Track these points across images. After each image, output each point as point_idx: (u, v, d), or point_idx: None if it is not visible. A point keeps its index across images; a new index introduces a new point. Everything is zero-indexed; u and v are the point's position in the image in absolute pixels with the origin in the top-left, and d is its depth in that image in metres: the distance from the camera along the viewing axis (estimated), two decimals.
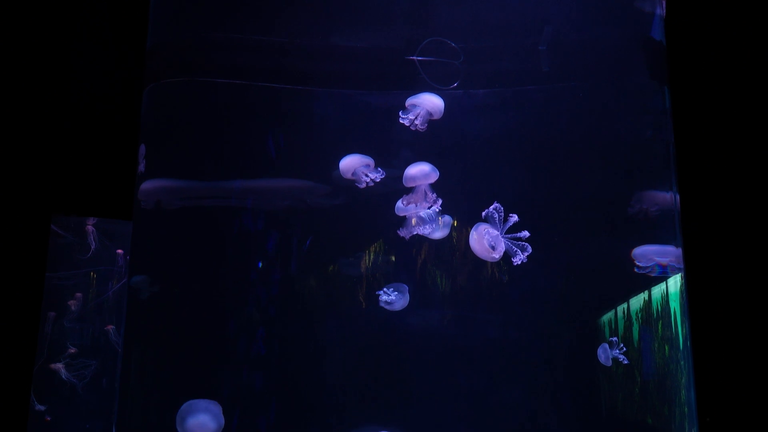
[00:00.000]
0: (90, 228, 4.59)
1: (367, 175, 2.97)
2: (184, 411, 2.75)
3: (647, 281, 3.10)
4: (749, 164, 3.28)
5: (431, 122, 3.03)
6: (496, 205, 2.88)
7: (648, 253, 3.06)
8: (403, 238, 3.05)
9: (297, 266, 3.08)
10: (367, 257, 3.07)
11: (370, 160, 3.00)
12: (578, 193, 3.12)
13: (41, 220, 3.77)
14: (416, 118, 2.99)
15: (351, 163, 3.00)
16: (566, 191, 3.07)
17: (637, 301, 3.07)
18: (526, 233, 2.88)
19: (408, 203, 2.94)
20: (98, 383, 4.51)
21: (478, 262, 3.04)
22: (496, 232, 2.86)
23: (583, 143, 3.20)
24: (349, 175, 3.00)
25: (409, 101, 3.01)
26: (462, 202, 3.13)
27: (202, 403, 2.77)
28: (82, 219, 4.53)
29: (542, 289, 3.10)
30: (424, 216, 2.97)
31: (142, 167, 3.16)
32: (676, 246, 3.16)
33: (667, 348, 3.05)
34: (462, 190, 3.12)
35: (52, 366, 4.46)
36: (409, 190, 2.99)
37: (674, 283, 3.09)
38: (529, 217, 2.95)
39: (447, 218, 2.98)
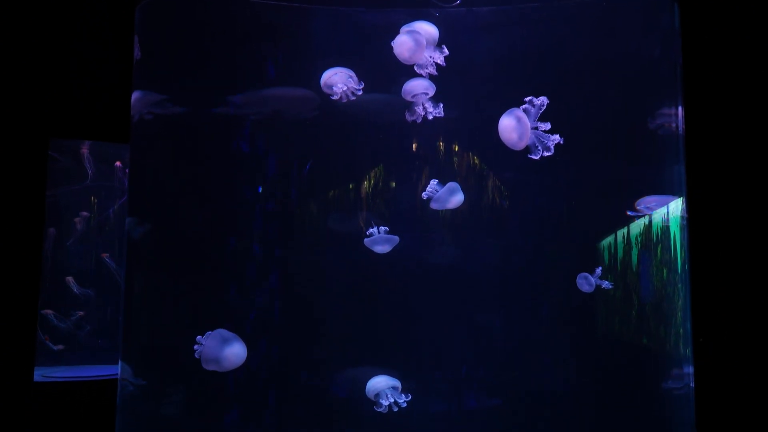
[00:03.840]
0: (85, 152, 4.55)
1: (339, 86, 2.91)
2: (216, 341, 2.78)
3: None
4: (757, 88, 3.20)
5: None
6: (542, 99, 2.80)
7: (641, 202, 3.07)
8: (405, 164, 3.05)
9: (297, 190, 3.07)
10: (367, 183, 3.05)
11: (350, 72, 2.95)
12: (582, 113, 3.06)
13: (39, 137, 3.74)
14: None
15: (327, 75, 2.95)
16: (569, 111, 3.01)
17: (637, 226, 3.07)
18: (557, 137, 2.82)
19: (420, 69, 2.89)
20: (103, 313, 4.59)
21: (479, 189, 3.03)
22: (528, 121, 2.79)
23: (589, 62, 3.11)
24: (326, 88, 2.96)
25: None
26: (465, 123, 3.08)
27: (227, 333, 2.81)
28: (77, 143, 4.49)
29: (543, 213, 3.11)
30: (430, 194, 2.95)
31: (137, 53, 3.12)
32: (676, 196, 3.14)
33: (665, 271, 3.08)
34: (465, 111, 3.06)
35: (50, 316, 4.50)
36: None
37: (675, 207, 3.09)
38: None
39: (452, 184, 2.94)
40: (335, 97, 2.93)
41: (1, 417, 3.64)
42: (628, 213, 3.06)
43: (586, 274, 2.97)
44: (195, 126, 3.11)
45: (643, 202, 3.05)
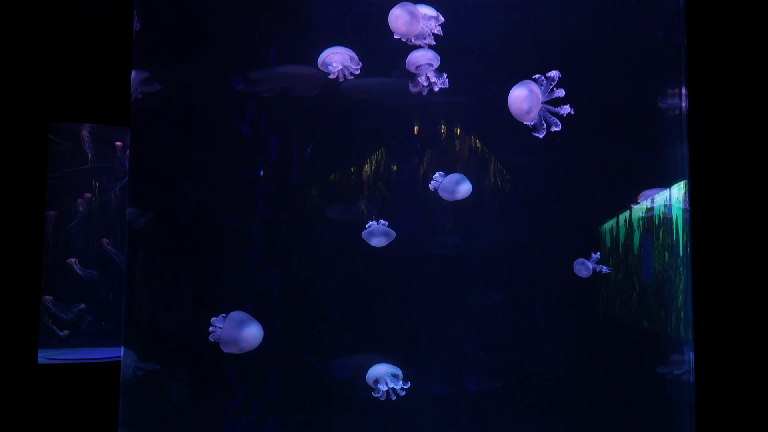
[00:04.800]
0: (85, 134, 4.53)
1: (335, 64, 2.89)
2: (233, 323, 2.75)
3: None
4: (764, 71, 3.17)
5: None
6: (555, 73, 2.77)
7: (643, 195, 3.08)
8: (404, 146, 3.04)
9: (298, 172, 3.06)
10: (369, 165, 3.04)
11: (350, 52, 2.92)
12: (584, 95, 3.04)
13: (38, 120, 3.73)
14: None
15: (325, 54, 2.92)
16: (572, 94, 2.99)
17: (639, 209, 3.07)
18: (567, 108, 2.79)
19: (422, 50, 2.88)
20: (104, 298, 4.60)
21: (481, 173, 3.02)
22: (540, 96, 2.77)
23: (592, 43, 3.09)
24: (323, 66, 2.94)
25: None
26: (467, 106, 3.07)
27: (243, 314, 2.78)
28: (77, 126, 4.47)
29: (545, 196, 3.10)
30: (437, 185, 2.94)
31: (137, 25, 3.09)
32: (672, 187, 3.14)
33: (667, 254, 3.08)
34: (467, 94, 3.05)
35: (49, 303, 4.49)
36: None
37: (677, 190, 3.08)
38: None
39: (456, 175, 2.93)
40: (332, 76, 2.91)
41: (5, 399, 3.67)
42: (633, 206, 3.06)
43: (583, 259, 2.97)
44: (195, 107, 3.09)
45: (644, 196, 3.05)
